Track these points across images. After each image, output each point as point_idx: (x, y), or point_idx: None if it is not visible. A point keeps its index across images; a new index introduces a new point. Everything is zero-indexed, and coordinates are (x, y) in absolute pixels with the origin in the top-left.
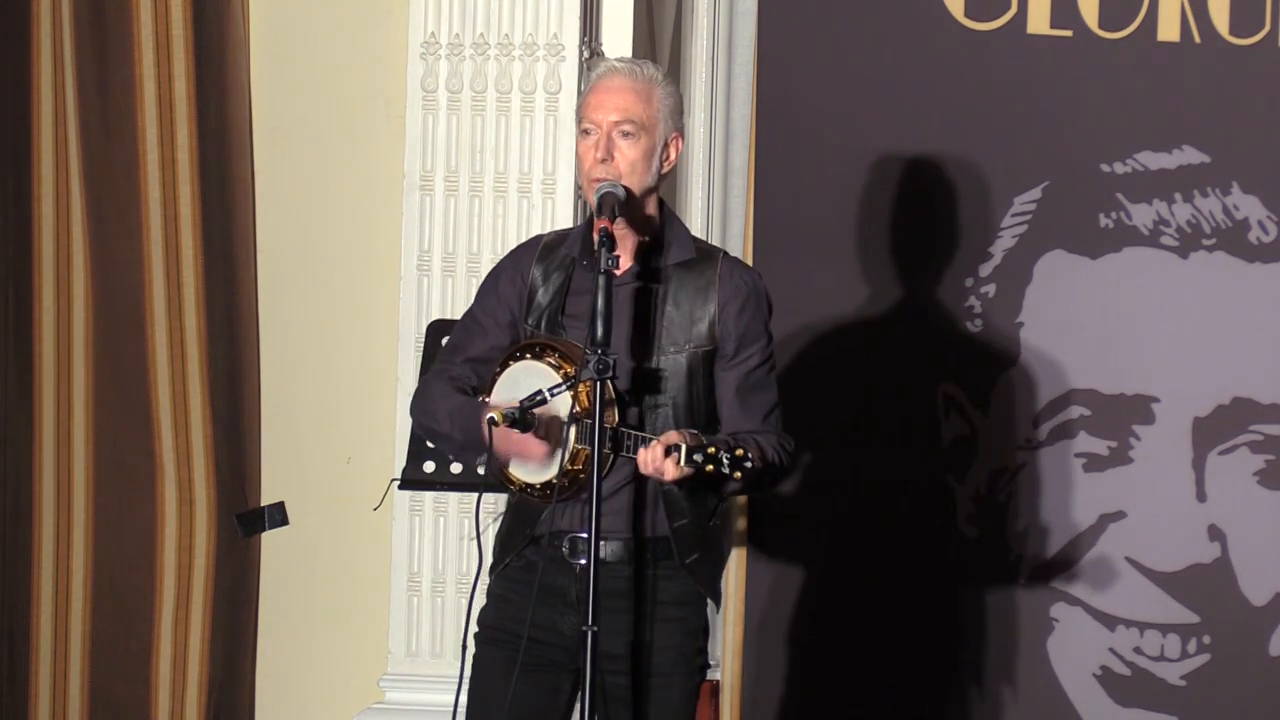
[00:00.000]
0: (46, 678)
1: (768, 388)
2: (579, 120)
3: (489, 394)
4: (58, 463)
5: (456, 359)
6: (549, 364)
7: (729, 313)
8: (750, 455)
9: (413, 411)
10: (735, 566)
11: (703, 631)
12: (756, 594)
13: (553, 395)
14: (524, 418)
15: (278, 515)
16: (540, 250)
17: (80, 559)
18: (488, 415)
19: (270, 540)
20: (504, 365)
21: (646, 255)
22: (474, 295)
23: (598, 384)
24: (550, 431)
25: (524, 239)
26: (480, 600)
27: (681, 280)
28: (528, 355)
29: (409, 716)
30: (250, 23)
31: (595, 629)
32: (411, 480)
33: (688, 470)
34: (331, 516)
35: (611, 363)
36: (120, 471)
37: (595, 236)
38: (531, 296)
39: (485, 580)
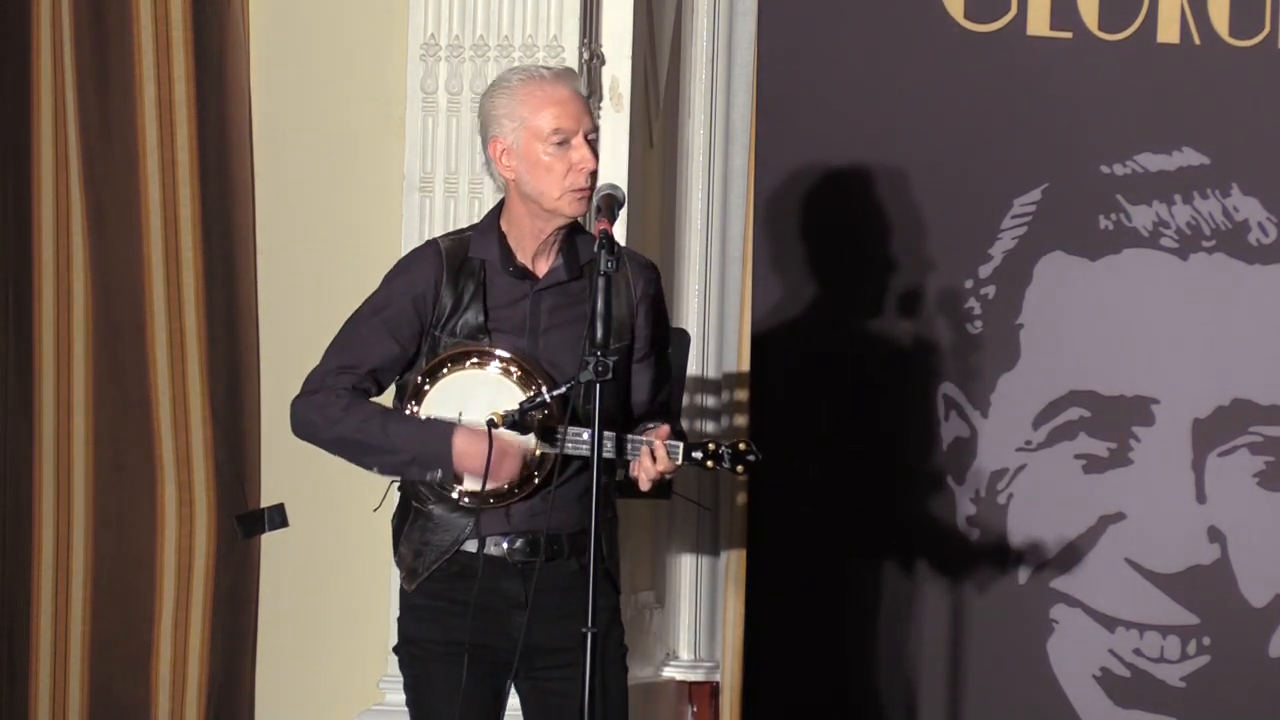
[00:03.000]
0: (46, 678)
1: (672, 374)
2: (537, 127)
3: (418, 405)
4: (57, 464)
5: (360, 369)
6: (496, 372)
7: (642, 308)
8: (752, 447)
9: (312, 425)
10: (735, 567)
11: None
12: (757, 595)
13: (552, 398)
14: (523, 420)
15: (277, 517)
16: (445, 258)
17: (80, 560)
18: (487, 418)
19: (270, 541)
20: (433, 376)
21: (571, 250)
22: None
23: (598, 386)
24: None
25: None
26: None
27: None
28: (467, 364)
29: (407, 715)
30: (250, 24)
31: (595, 630)
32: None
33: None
34: (331, 518)
35: (610, 364)
36: (120, 473)
37: (598, 238)
38: (443, 306)
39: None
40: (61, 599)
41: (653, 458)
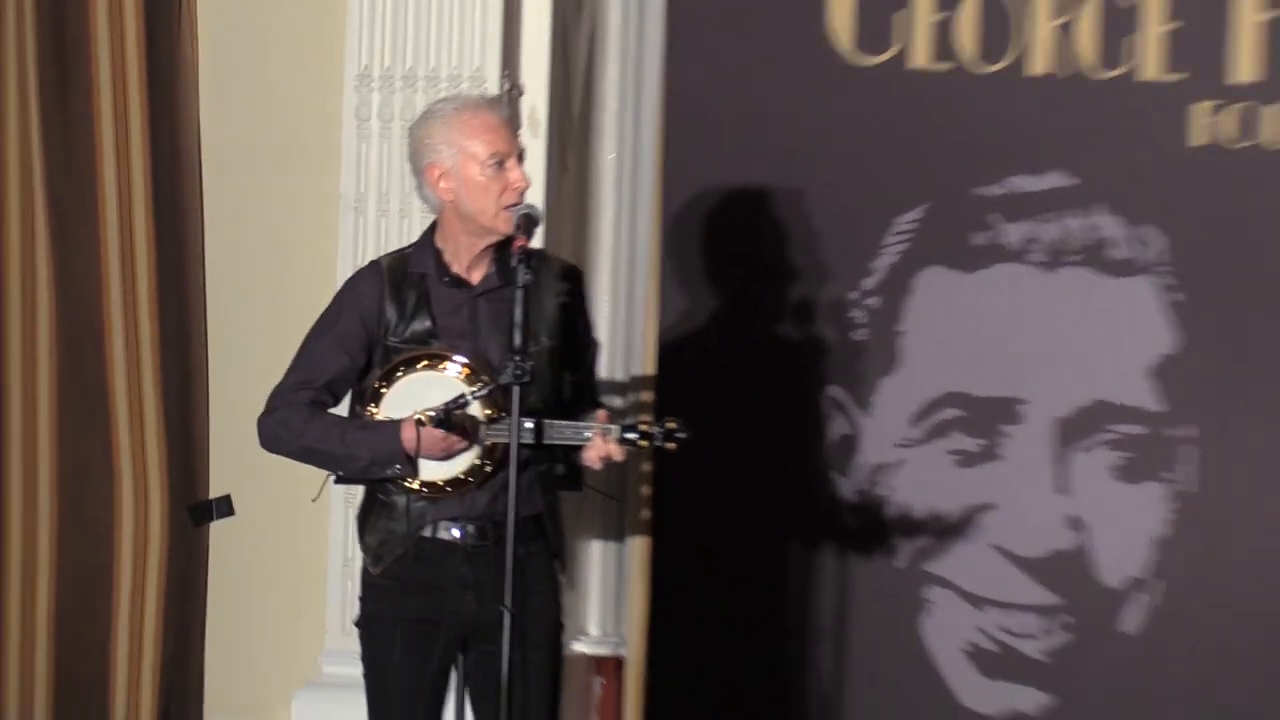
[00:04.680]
0: (15, 660)
1: (595, 366)
2: (474, 152)
3: (376, 407)
4: (24, 463)
5: (316, 383)
6: (441, 369)
7: (572, 309)
8: (682, 425)
9: (278, 438)
10: (640, 551)
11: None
12: (660, 576)
13: (474, 399)
14: (449, 418)
15: (225, 507)
16: (387, 275)
17: (45, 552)
18: (415, 417)
19: (217, 530)
20: (389, 379)
21: (502, 261)
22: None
23: (516, 388)
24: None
25: None
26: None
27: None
28: (417, 367)
29: (344, 689)
30: (198, 57)
31: (513, 610)
32: (345, 477)
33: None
34: (273, 508)
35: (529, 368)
36: (82, 471)
37: (517, 254)
38: (389, 318)
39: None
40: (29, 588)
41: (604, 441)
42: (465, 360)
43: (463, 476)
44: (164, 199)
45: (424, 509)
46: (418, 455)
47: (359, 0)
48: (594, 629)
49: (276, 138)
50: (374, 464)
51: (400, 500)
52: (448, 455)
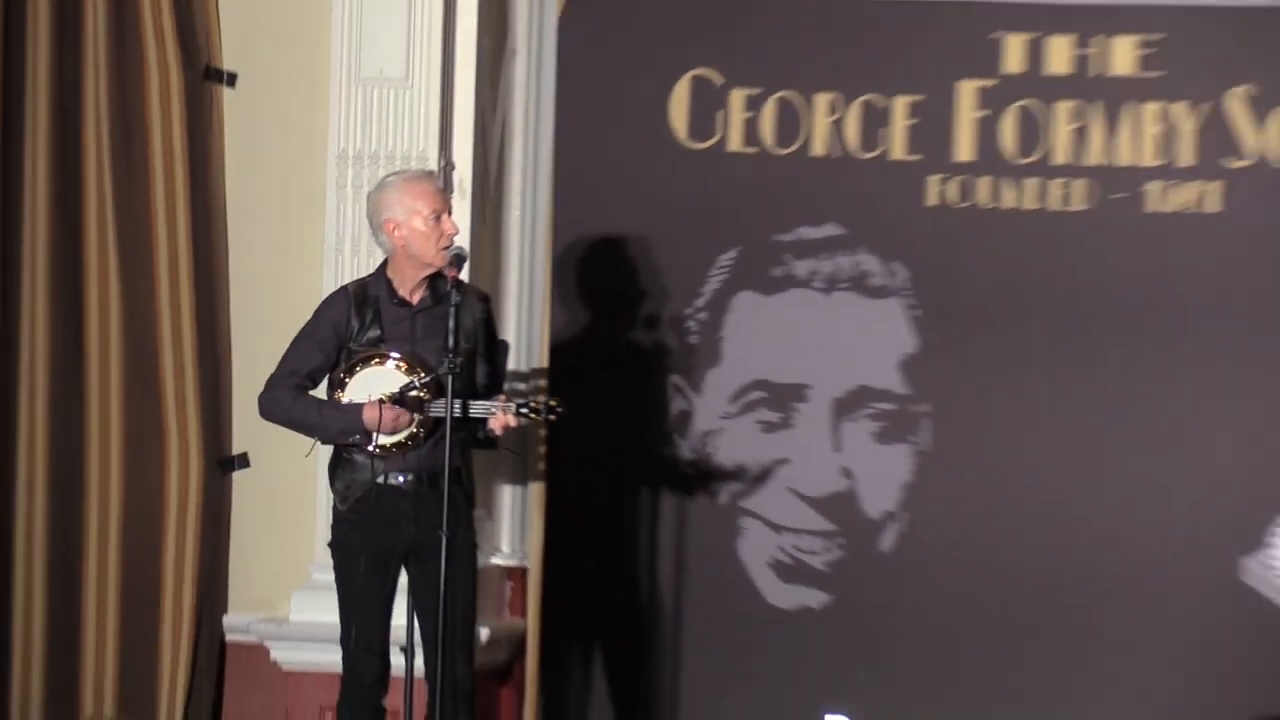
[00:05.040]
0: (94, 568)
1: (504, 362)
2: (419, 210)
3: (343, 393)
4: (99, 429)
5: (301, 373)
6: (392, 366)
7: (482, 321)
8: (559, 404)
9: (273, 412)
10: (538, 492)
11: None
12: (553, 510)
13: (420, 386)
14: (403, 398)
15: (243, 461)
16: (353, 297)
17: (116, 491)
18: (378, 397)
19: (238, 478)
20: (351, 372)
21: (435, 288)
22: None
23: (449, 377)
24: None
25: None
26: (322, 528)
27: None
28: (372, 363)
29: (327, 590)
30: (225, 143)
31: (448, 535)
32: (324, 440)
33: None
34: (276, 462)
35: (458, 363)
36: (141, 435)
37: (451, 283)
38: (353, 328)
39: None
40: (104, 516)
41: (503, 414)
42: (399, 357)
43: (406, 441)
44: (200, 241)
45: (378, 463)
46: (377, 429)
47: (339, 102)
48: (505, 547)
49: (280, 199)
50: (340, 433)
51: (360, 457)
52: (394, 430)
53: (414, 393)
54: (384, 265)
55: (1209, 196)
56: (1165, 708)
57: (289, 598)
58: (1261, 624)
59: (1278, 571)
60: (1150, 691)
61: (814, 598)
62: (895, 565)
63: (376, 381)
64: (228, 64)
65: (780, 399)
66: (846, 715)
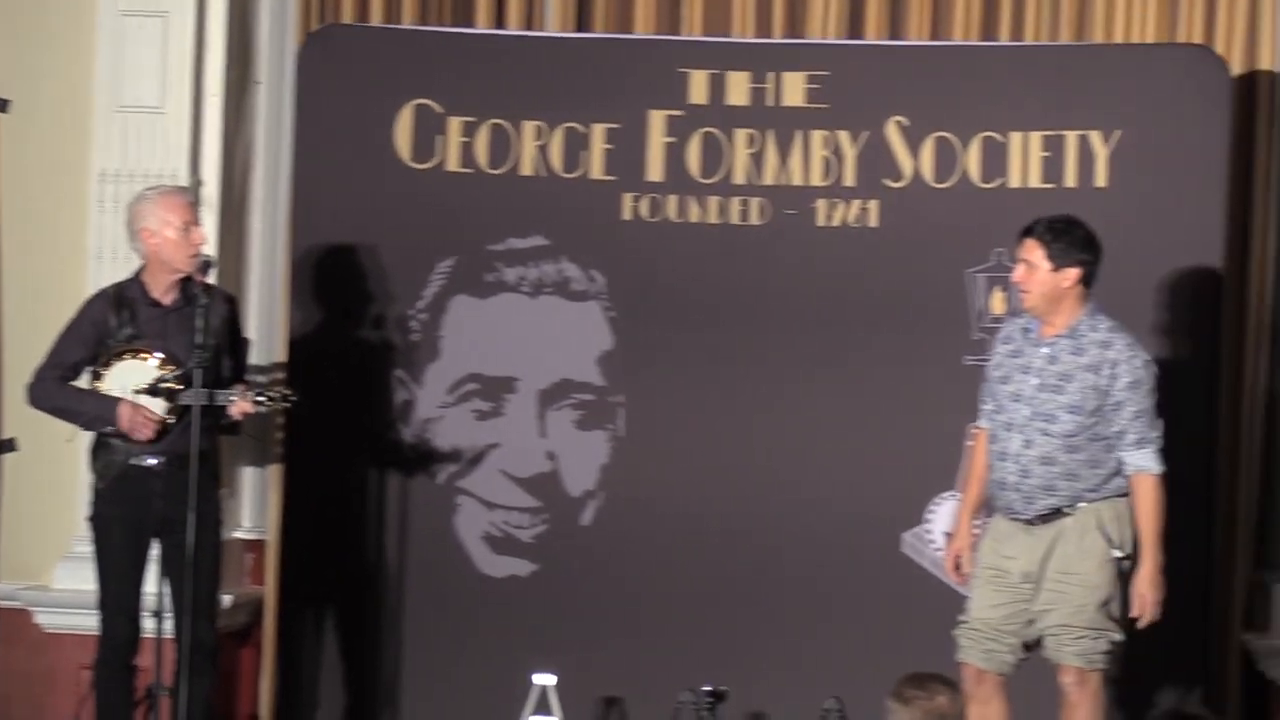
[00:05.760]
0: None
1: (247, 357)
2: (171, 221)
3: (101, 383)
4: None
5: (64, 365)
6: (144, 359)
7: (227, 320)
8: (293, 394)
9: (40, 400)
10: (276, 474)
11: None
12: (290, 489)
13: (172, 378)
14: (155, 388)
15: (11, 445)
16: (112, 298)
17: None
18: (133, 389)
19: (8, 460)
20: (108, 364)
21: (185, 290)
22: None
23: (197, 370)
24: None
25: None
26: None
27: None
28: (126, 357)
29: (88, 560)
30: (1, 157)
31: (194, 511)
32: (84, 427)
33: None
34: (41, 445)
35: (206, 357)
36: None
37: (200, 286)
38: (111, 326)
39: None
40: None
41: (243, 402)
42: (162, 355)
43: (160, 425)
44: None
45: (131, 447)
46: (126, 424)
47: (101, 127)
48: (246, 522)
49: (49, 211)
50: (96, 419)
51: (116, 441)
52: (130, 430)
53: (165, 384)
54: (140, 270)
55: (869, 213)
56: (840, 669)
57: (53, 568)
58: (919, 592)
59: (934, 545)
60: (826, 655)
61: (522, 567)
62: (594, 537)
63: (132, 373)
64: (2, 91)
65: (492, 390)
66: (553, 673)
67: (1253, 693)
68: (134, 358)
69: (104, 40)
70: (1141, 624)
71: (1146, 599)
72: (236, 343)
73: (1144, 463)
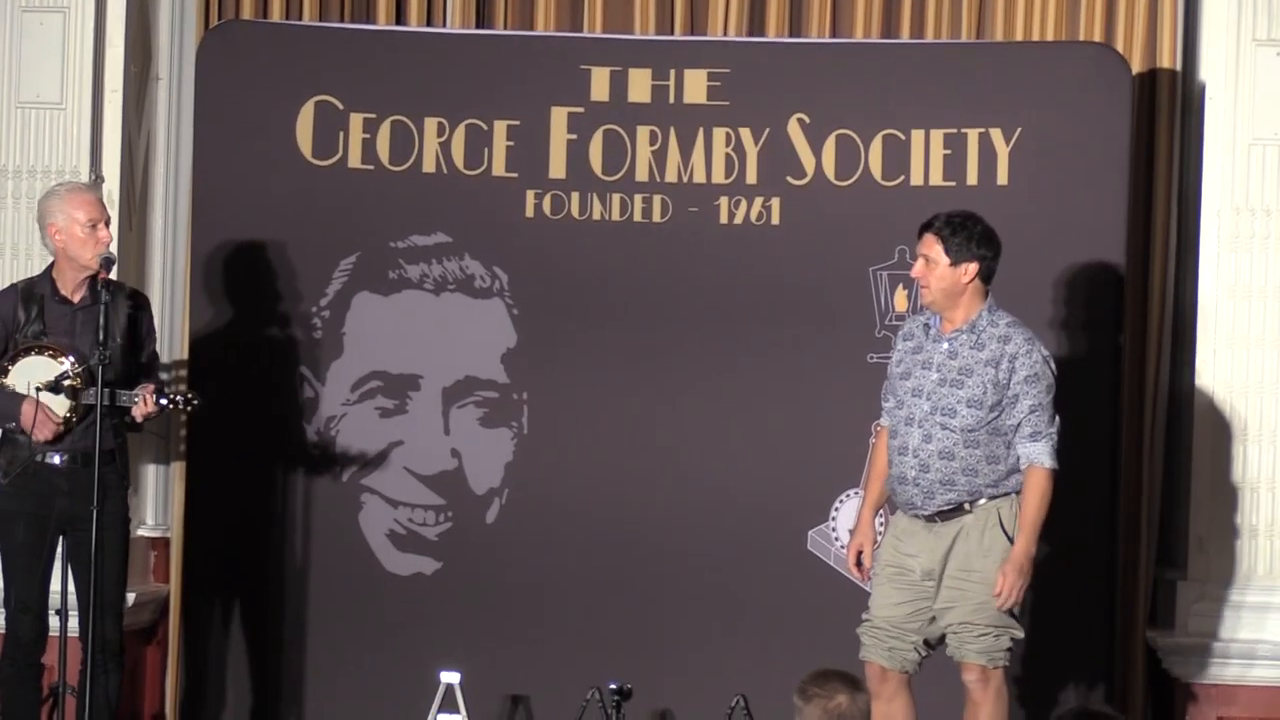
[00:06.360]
0: None
1: (155, 356)
2: (78, 218)
3: (5, 378)
4: None
5: None
6: (49, 356)
7: (136, 318)
8: (196, 396)
9: None
10: (179, 470)
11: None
12: (193, 487)
13: (73, 375)
14: (57, 387)
15: None
16: (20, 294)
17: None
18: (35, 386)
19: None
20: (14, 360)
21: (94, 288)
22: None
23: (100, 367)
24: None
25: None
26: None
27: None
28: (31, 353)
29: None
30: None
31: (99, 509)
32: None
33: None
34: None
35: (110, 356)
36: None
37: (102, 282)
38: (19, 321)
39: None
40: None
41: (145, 403)
42: (56, 348)
43: (61, 425)
44: None
45: (36, 443)
46: (28, 423)
47: (4, 122)
48: (150, 520)
49: None
50: (1, 415)
51: (21, 438)
52: (32, 428)
53: (68, 381)
54: (50, 267)
55: (771, 210)
56: (746, 666)
57: None
58: (825, 589)
59: (839, 543)
60: (732, 652)
61: (427, 565)
62: (499, 535)
63: (36, 369)
64: None
65: (396, 387)
66: (459, 671)
67: (1158, 690)
68: (39, 354)
69: (4, 36)
70: (999, 605)
71: (1008, 579)
72: (143, 341)
73: (1036, 456)
